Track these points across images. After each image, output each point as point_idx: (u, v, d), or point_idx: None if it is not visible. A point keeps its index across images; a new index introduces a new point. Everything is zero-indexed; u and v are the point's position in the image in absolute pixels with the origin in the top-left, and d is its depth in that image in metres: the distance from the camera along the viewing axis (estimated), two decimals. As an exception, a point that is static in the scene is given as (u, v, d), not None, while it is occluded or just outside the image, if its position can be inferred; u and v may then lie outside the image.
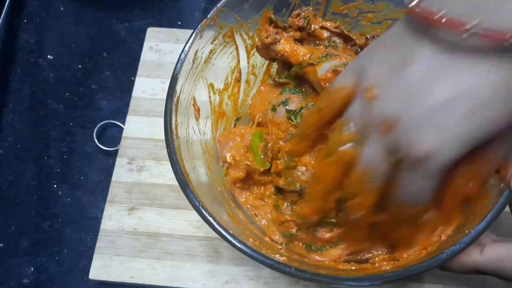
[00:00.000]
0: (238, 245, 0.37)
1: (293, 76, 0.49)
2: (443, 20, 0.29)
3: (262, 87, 0.53)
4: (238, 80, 0.53)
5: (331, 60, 0.44)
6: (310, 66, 0.46)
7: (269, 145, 0.47)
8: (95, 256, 0.52)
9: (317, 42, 0.49)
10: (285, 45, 0.48)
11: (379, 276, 0.36)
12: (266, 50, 0.49)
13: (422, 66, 0.31)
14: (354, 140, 0.36)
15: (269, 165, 0.47)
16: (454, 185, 0.36)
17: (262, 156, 0.47)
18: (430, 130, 0.31)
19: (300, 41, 0.50)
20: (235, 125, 0.53)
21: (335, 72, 0.44)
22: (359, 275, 0.38)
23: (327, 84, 0.44)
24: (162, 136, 0.41)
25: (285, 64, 0.50)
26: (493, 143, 0.33)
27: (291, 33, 0.49)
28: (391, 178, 0.35)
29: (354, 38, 0.49)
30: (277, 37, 0.48)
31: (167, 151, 0.41)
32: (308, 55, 0.47)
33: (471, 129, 0.31)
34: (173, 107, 0.42)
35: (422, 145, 0.31)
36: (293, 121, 0.47)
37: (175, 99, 0.43)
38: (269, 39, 0.48)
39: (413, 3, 0.31)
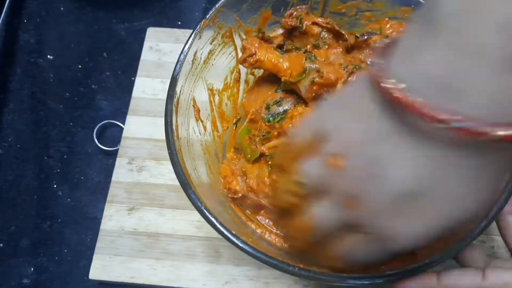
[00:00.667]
0: (241, 245, 0.37)
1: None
2: (412, 103, 0.26)
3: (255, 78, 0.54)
4: (237, 80, 0.53)
5: (309, 76, 0.46)
6: (294, 85, 0.47)
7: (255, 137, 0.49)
8: (95, 256, 0.52)
9: (307, 43, 0.51)
10: (267, 62, 0.48)
11: (381, 274, 0.36)
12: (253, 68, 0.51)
13: (390, 146, 0.29)
14: (304, 198, 0.33)
15: (258, 153, 0.48)
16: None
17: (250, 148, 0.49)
18: (394, 219, 0.30)
19: (289, 38, 0.51)
20: (235, 127, 0.53)
21: (313, 84, 0.46)
22: (361, 274, 0.38)
23: (313, 102, 0.47)
24: (162, 136, 0.41)
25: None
26: None
27: (274, 43, 0.51)
28: (334, 235, 0.33)
29: (344, 34, 0.50)
30: (252, 61, 0.48)
31: (168, 152, 0.41)
32: (289, 72, 0.47)
33: (435, 224, 0.30)
34: (174, 108, 0.43)
35: (385, 231, 0.30)
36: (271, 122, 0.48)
37: (175, 100, 0.43)
38: (246, 64, 0.49)
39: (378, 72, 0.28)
